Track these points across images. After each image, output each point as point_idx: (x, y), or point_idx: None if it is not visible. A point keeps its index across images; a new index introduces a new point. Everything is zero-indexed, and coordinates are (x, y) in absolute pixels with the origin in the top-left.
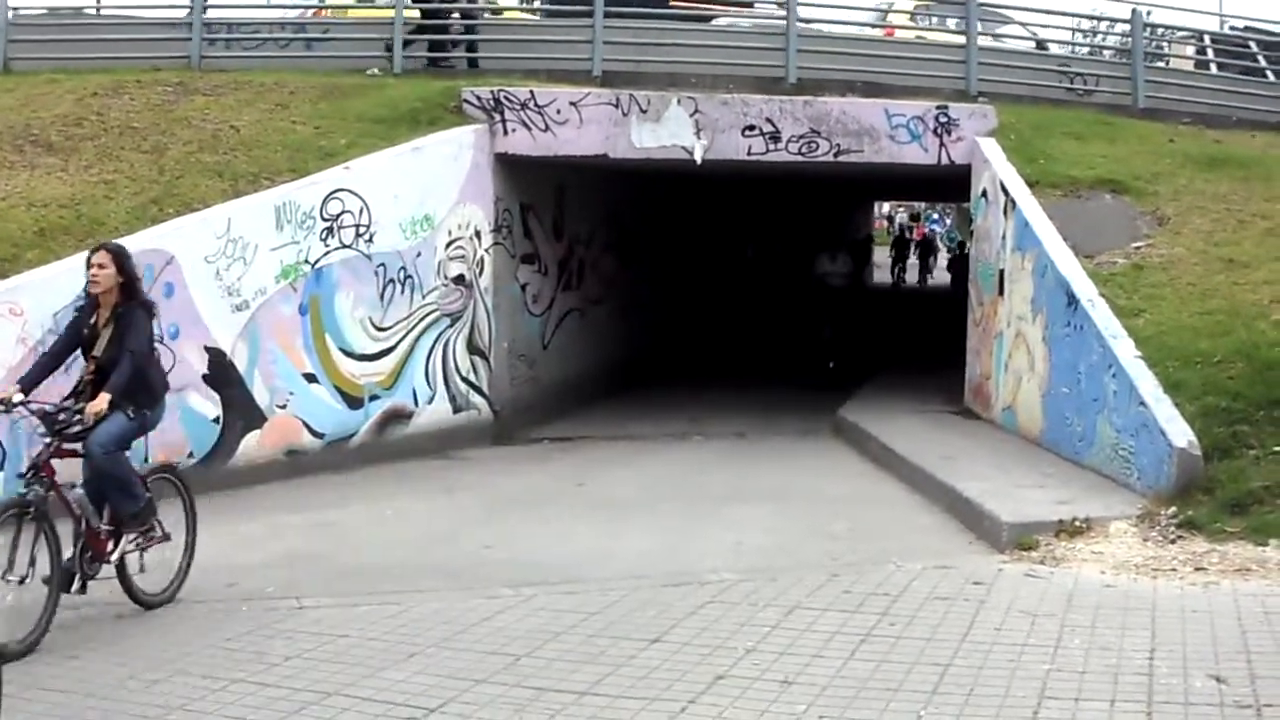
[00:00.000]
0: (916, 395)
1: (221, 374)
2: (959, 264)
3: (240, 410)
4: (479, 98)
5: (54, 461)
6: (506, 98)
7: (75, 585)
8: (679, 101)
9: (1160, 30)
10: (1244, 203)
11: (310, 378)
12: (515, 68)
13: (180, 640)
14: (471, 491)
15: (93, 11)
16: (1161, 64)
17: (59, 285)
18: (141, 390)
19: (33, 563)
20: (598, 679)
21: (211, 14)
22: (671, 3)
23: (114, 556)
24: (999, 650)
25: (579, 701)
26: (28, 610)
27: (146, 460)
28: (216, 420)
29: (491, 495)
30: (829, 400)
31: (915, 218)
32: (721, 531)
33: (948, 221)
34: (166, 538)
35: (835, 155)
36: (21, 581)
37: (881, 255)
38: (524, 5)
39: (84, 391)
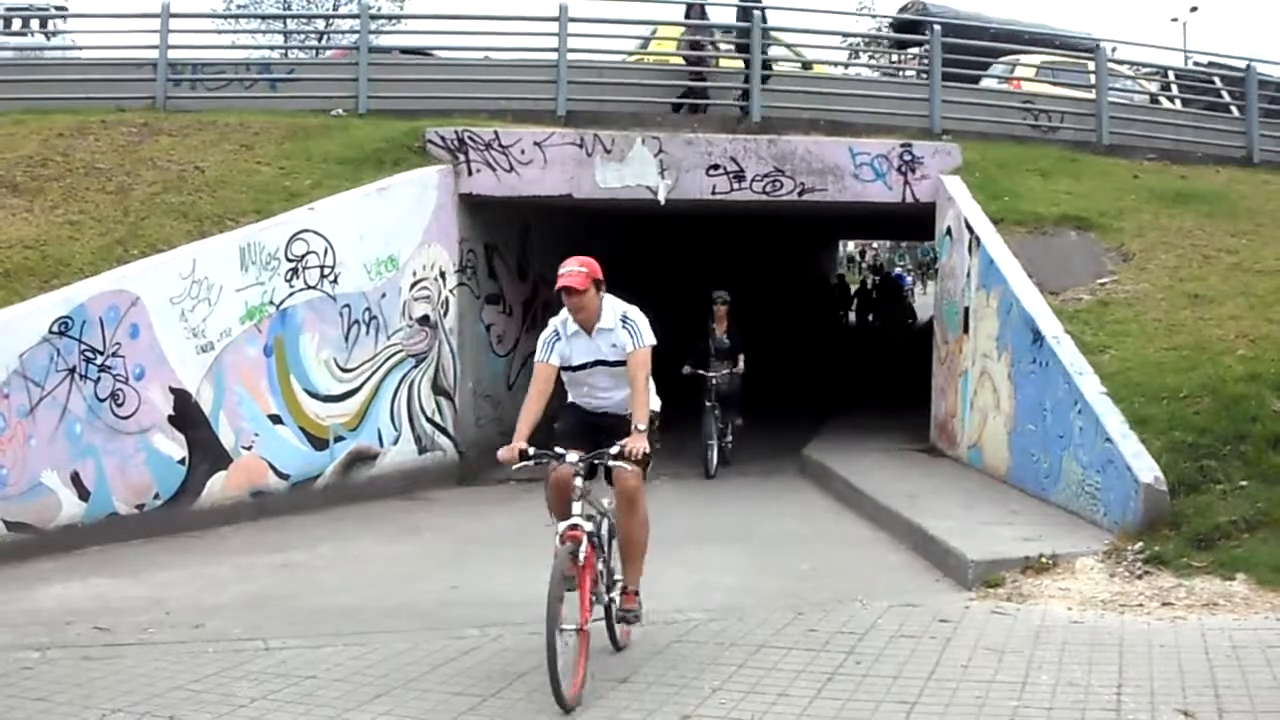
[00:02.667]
0: (882, 433)
1: (187, 415)
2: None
3: (206, 451)
4: (443, 138)
5: None
6: (471, 138)
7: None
8: (643, 141)
9: (1125, 67)
10: (1209, 238)
11: (275, 419)
12: (481, 108)
13: (147, 682)
14: (437, 532)
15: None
16: (1125, 100)
17: (24, 326)
18: None
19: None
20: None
21: (175, 54)
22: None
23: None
24: (966, 688)
25: None
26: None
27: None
28: (182, 461)
29: (457, 536)
30: (794, 439)
31: (877, 269)
32: (687, 571)
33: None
34: None
35: (800, 194)
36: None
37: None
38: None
39: None
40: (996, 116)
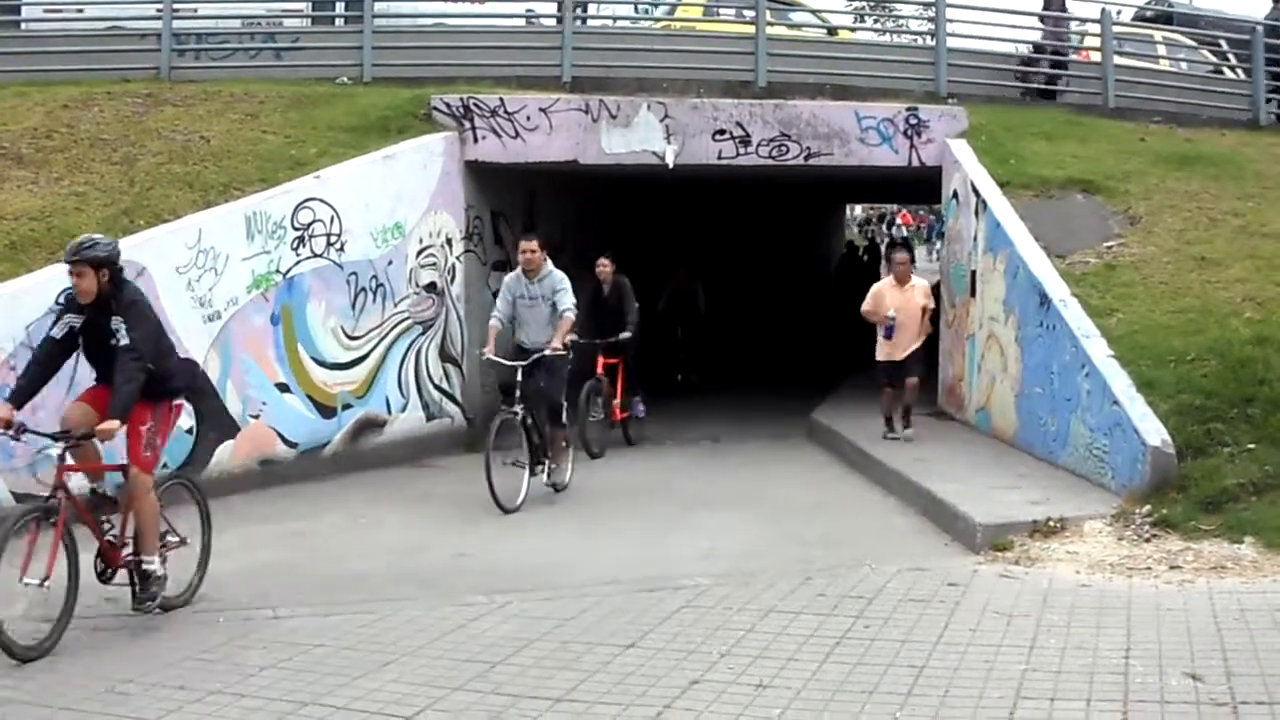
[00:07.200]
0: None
1: (194, 385)
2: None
3: (214, 420)
4: (449, 105)
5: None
6: (476, 105)
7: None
8: (649, 107)
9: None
10: (1215, 201)
11: (283, 387)
12: (486, 74)
13: (156, 652)
14: (445, 500)
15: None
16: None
17: (31, 298)
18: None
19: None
20: (572, 685)
21: (179, 24)
22: None
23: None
24: (974, 651)
25: (554, 708)
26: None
27: None
28: (190, 431)
29: (465, 503)
30: (803, 404)
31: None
32: (695, 536)
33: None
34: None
35: (806, 158)
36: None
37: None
38: None
39: None
40: (1002, 80)
